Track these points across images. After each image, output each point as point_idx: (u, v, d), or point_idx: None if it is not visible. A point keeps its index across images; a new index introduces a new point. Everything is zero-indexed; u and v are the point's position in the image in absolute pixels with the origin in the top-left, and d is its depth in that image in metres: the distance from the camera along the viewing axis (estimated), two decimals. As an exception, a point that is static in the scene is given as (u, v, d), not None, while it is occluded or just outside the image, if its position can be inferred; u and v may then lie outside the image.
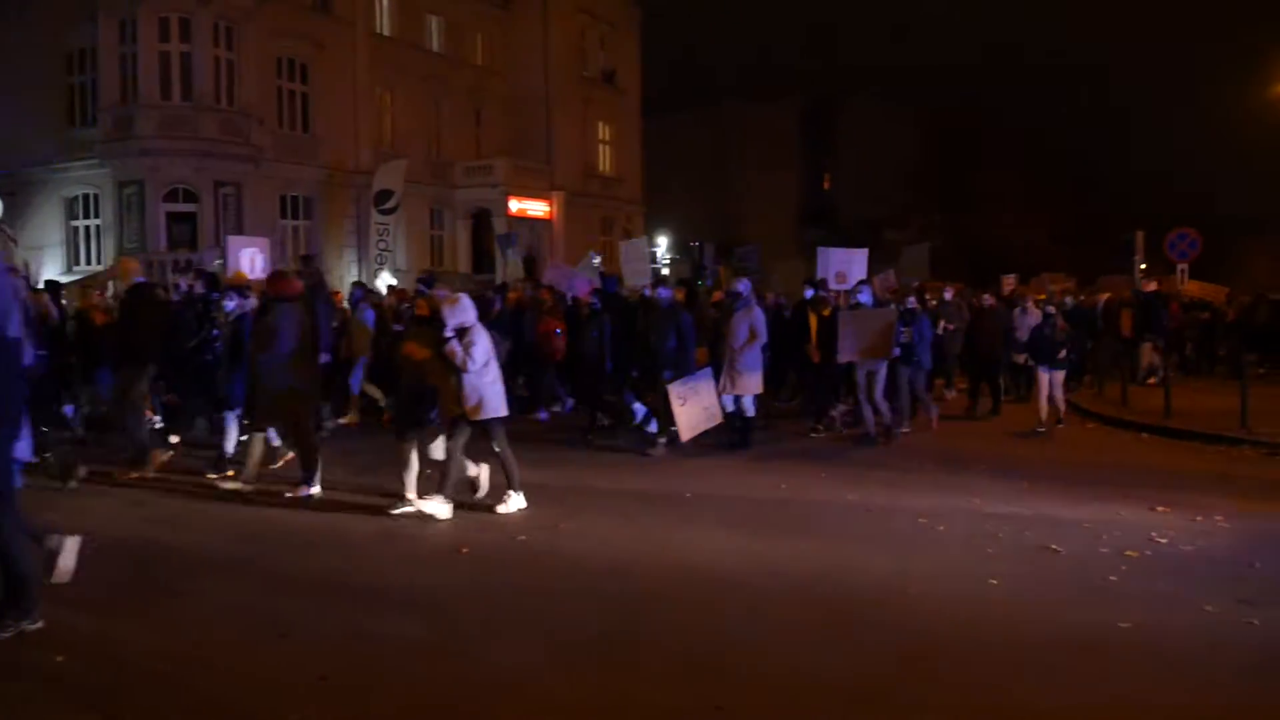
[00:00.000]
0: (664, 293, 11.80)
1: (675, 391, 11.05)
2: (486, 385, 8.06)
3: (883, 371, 12.11)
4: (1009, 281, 21.55)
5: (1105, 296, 19.98)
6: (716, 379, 11.49)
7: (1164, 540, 7.38)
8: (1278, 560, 6.87)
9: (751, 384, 11.60)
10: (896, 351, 12.13)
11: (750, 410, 11.79)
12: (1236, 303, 22.62)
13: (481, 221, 35.34)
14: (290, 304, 8.88)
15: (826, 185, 70.69)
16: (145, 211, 26.49)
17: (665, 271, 42.31)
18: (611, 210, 41.54)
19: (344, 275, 28.70)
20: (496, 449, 8.35)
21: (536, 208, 36.07)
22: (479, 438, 8.30)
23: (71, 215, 28.53)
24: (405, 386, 8.82)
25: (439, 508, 8.00)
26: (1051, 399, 13.12)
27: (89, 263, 27.32)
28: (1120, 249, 22.47)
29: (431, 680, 4.89)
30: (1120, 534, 7.54)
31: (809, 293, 13.55)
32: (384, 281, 25.02)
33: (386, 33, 33.55)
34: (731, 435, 11.67)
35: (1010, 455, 11.41)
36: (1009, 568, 6.68)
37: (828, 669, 5.01)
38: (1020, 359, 15.14)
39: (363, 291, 14.72)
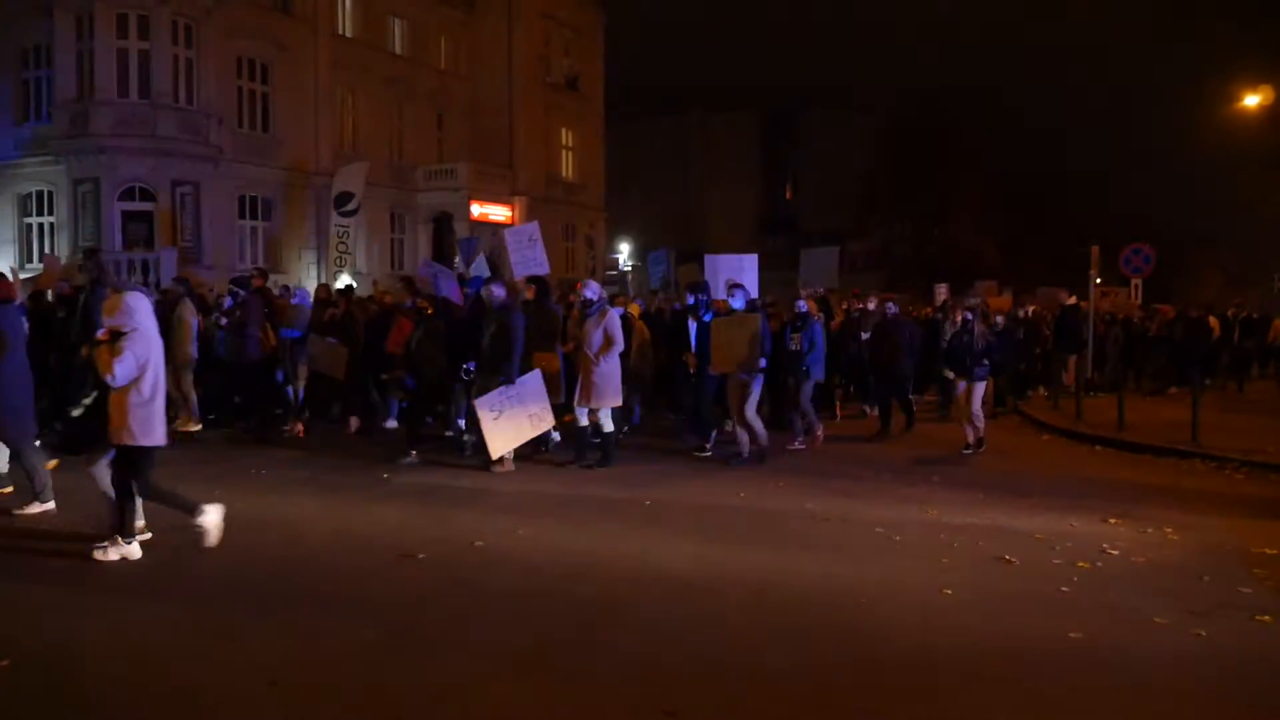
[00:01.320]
0: (497, 291, 10.64)
1: (485, 405, 10.16)
2: (135, 405, 6.71)
3: (754, 385, 11.16)
4: (941, 291, 21.60)
5: (1032, 309, 20.11)
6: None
7: (1115, 552, 7.47)
8: (1226, 573, 6.98)
9: (609, 396, 10.70)
10: (763, 363, 11.03)
11: (607, 425, 10.83)
12: (1159, 318, 22.68)
13: (443, 225, 35.19)
14: (7, 306, 8.39)
15: (789, 195, 71.17)
16: (101, 209, 26.11)
17: (629, 276, 42.47)
18: (574, 216, 41.53)
19: (303, 277, 28.44)
20: (107, 485, 7.01)
21: (498, 212, 35.96)
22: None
23: (25, 212, 28.07)
24: None
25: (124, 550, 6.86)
26: (970, 414, 12.34)
27: (38, 261, 26.86)
28: (1070, 262, 22.86)
29: (383, 686, 4.83)
30: (1073, 545, 7.63)
31: (689, 299, 12.58)
32: (342, 284, 24.82)
33: (348, 34, 33.36)
34: (587, 454, 10.89)
35: (967, 468, 11.52)
36: (963, 578, 6.73)
37: (780, 674, 5.02)
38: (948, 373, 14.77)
39: (186, 287, 13.61)
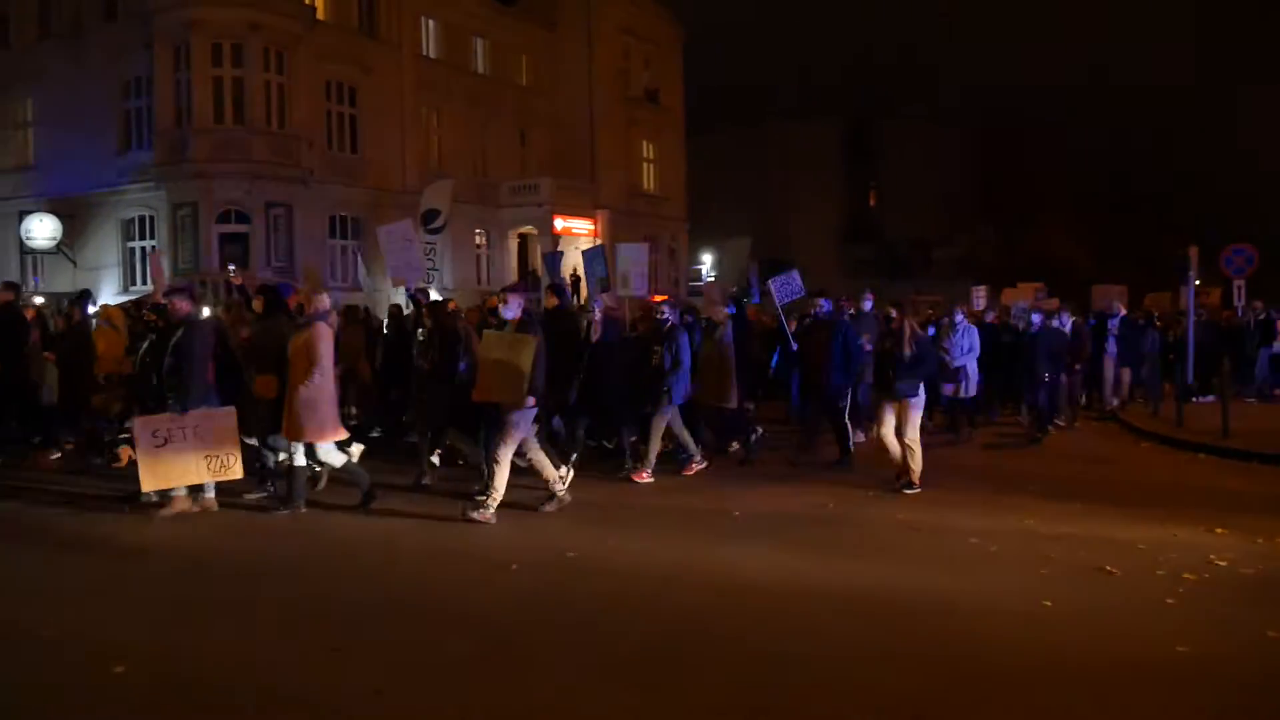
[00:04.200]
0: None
1: (147, 427, 8.67)
2: None
3: (517, 418, 8.53)
4: (979, 294, 20.66)
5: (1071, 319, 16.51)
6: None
7: (1223, 563, 7.22)
8: (1342, 583, 6.71)
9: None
10: (530, 401, 8.50)
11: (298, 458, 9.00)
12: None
13: (527, 240, 35.61)
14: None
15: (872, 202, 70.45)
16: (199, 232, 26.97)
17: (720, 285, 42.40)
18: (656, 228, 41.62)
19: (392, 294, 28.95)
20: None
21: (581, 226, 36.25)
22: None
23: (128, 237, 29.13)
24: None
25: None
26: (903, 442, 9.93)
27: (145, 283, 27.81)
28: (1166, 264, 21.99)
29: (481, 696, 4.90)
30: (1177, 556, 7.39)
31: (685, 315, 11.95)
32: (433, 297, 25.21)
33: (432, 55, 33.98)
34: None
35: (1063, 476, 11.21)
36: (1063, 589, 6.57)
37: (876, 688, 4.96)
38: (950, 389, 13.43)
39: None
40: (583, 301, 15.90)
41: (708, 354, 11.38)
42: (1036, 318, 14.24)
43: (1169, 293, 24.92)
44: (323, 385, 8.66)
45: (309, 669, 5.27)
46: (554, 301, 11.55)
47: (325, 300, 9.04)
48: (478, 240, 35.43)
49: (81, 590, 6.76)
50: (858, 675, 5.11)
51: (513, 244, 36.48)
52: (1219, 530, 8.21)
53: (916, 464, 9.95)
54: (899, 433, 9.98)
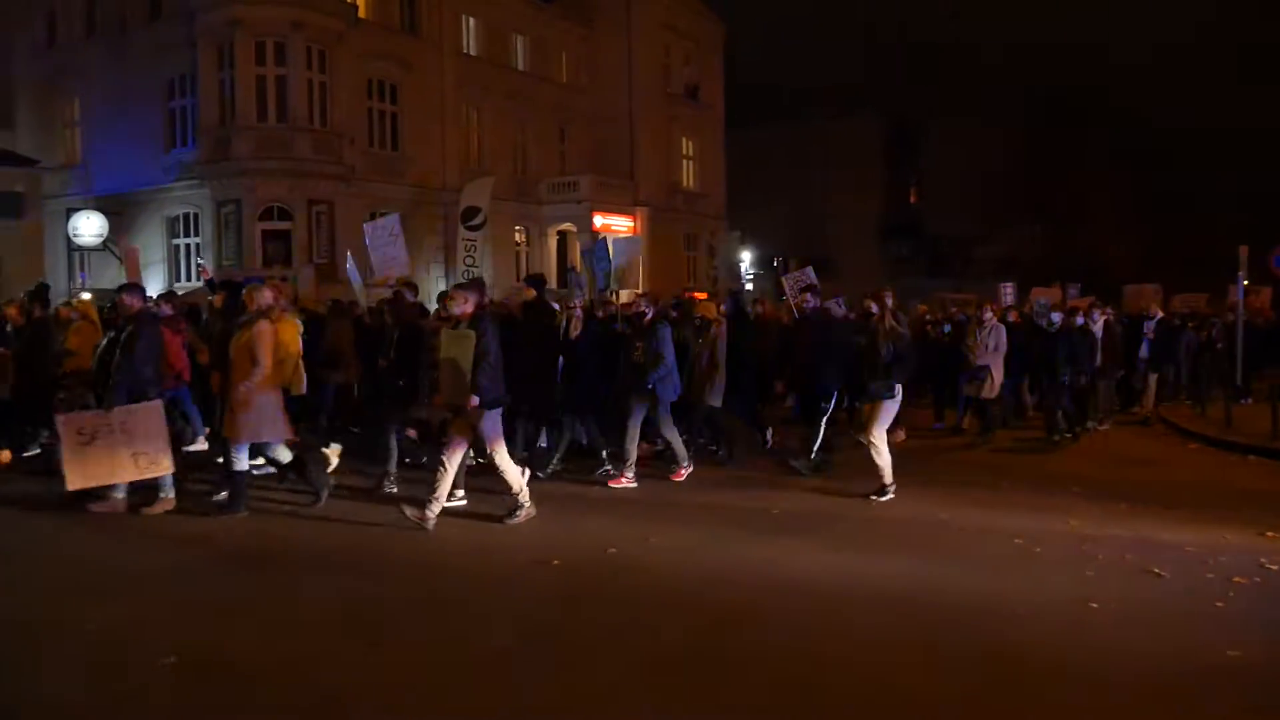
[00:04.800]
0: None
1: (72, 423, 8.52)
2: None
3: (484, 424, 8.12)
4: (1008, 291, 20.09)
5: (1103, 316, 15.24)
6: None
7: (1274, 567, 7.08)
8: (1398, 588, 6.56)
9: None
10: (475, 400, 7.95)
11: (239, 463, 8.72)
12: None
13: (566, 238, 35.70)
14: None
15: (913, 199, 69.91)
16: (242, 229, 27.28)
17: (749, 286, 42.33)
18: (695, 225, 41.60)
19: (433, 291, 29.16)
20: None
21: (621, 223, 36.30)
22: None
23: (173, 234, 29.55)
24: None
25: None
26: (867, 440, 9.41)
27: (189, 279, 28.19)
28: (1213, 263, 21.54)
29: (522, 689, 4.93)
30: (1227, 559, 7.26)
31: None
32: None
33: (473, 52, 34.14)
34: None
35: (1111, 477, 11.04)
36: (1110, 591, 6.48)
37: (919, 689, 4.92)
38: (971, 389, 13.26)
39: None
40: (589, 296, 15.34)
41: (698, 353, 11.10)
42: (1056, 316, 13.74)
43: (1205, 294, 24.42)
44: (264, 384, 8.49)
45: (353, 662, 5.32)
46: (530, 294, 10.97)
47: (268, 296, 8.81)
48: (517, 237, 35.58)
49: (122, 586, 6.85)
50: (901, 677, 5.07)
51: (552, 241, 36.61)
52: (1269, 534, 8.06)
53: (883, 462, 9.48)
54: (864, 430, 9.53)
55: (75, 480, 8.49)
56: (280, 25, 27.12)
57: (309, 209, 27.83)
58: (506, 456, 8.41)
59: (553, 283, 35.01)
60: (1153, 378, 16.50)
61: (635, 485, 10.08)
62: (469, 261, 29.85)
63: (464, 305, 8.18)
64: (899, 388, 9.52)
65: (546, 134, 36.97)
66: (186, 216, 29.27)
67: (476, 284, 8.92)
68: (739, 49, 45.57)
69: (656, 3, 39.13)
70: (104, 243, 29.12)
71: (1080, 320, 13.87)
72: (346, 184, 28.61)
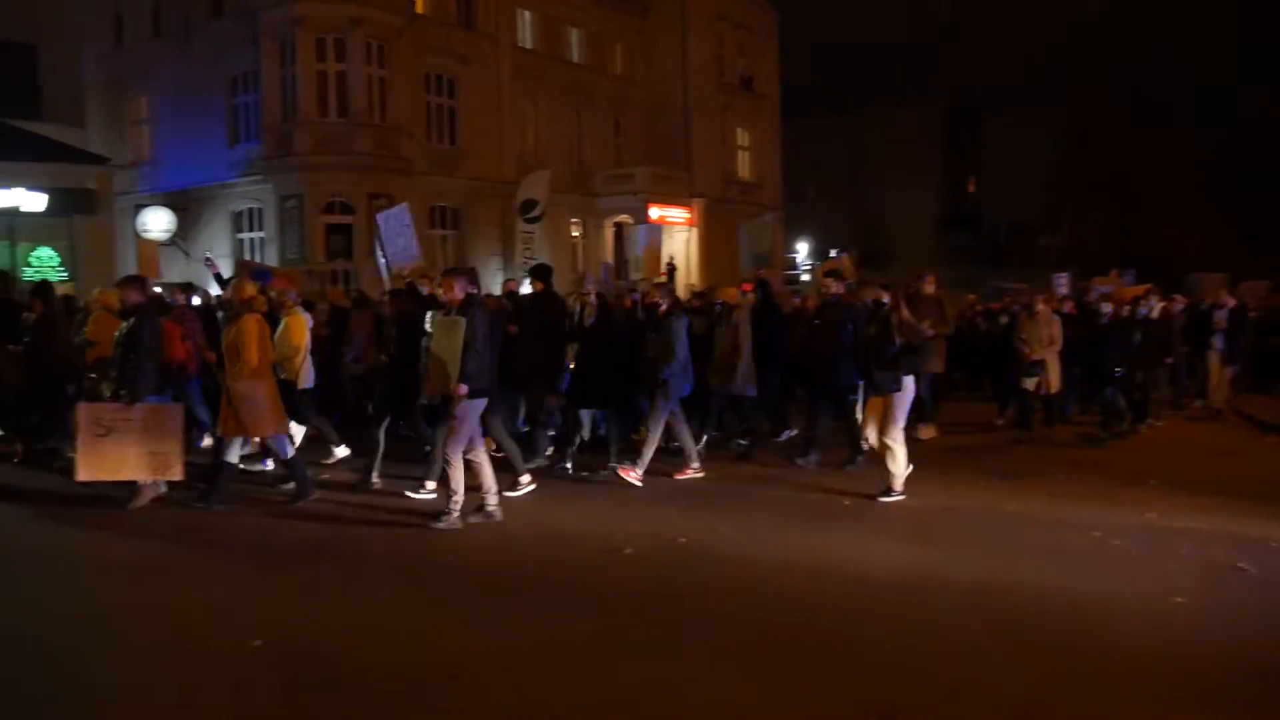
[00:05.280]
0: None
1: (91, 415, 8.57)
2: None
3: (461, 411, 7.85)
4: (1062, 281, 19.53)
5: (1159, 305, 14.51)
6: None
7: (1365, 560, 6.90)
8: None
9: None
10: (461, 390, 7.71)
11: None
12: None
13: (623, 229, 35.72)
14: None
15: (971, 189, 68.97)
16: (304, 224, 27.63)
17: (805, 278, 41.99)
18: (750, 216, 41.14)
19: (492, 283, 29.34)
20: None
21: (676, 215, 36.24)
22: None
23: (238, 228, 29.99)
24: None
25: None
26: (883, 441, 8.91)
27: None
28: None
29: (602, 675, 4.95)
30: (1315, 553, 7.09)
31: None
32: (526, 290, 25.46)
33: (529, 46, 34.22)
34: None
35: (1188, 469, 10.79)
36: (1194, 586, 6.35)
37: (999, 686, 4.85)
38: (1030, 384, 12.52)
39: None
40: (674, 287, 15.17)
41: (722, 339, 10.82)
42: (1107, 307, 13.11)
43: (1267, 281, 23.67)
44: (255, 379, 8.36)
45: (433, 644, 5.39)
46: (539, 286, 10.58)
47: (251, 288, 8.71)
48: (574, 230, 35.66)
49: (188, 575, 6.98)
50: (981, 672, 5.01)
51: (608, 233, 36.62)
52: (1358, 527, 7.84)
53: (897, 468, 8.89)
54: (881, 431, 8.98)
55: (84, 472, 8.49)
56: (340, 21, 27.37)
57: (369, 203, 28.06)
58: (460, 456, 7.92)
59: (611, 274, 35.10)
60: (1227, 370, 15.64)
61: (701, 474, 9.99)
62: (527, 254, 29.95)
63: (454, 292, 7.96)
64: (909, 380, 9.00)
65: (602, 126, 36.98)
66: (251, 211, 29.69)
67: (467, 271, 8.81)
68: (794, 38, 45.20)
69: (712, -7, 38.96)
70: (171, 238, 29.70)
71: (1143, 311, 13.32)
72: (406, 178, 28.83)
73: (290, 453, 8.89)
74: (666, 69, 38.26)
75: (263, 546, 7.60)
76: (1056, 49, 67.91)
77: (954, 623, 5.73)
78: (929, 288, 12.33)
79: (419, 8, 29.85)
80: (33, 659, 5.29)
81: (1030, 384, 12.58)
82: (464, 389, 7.73)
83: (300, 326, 10.03)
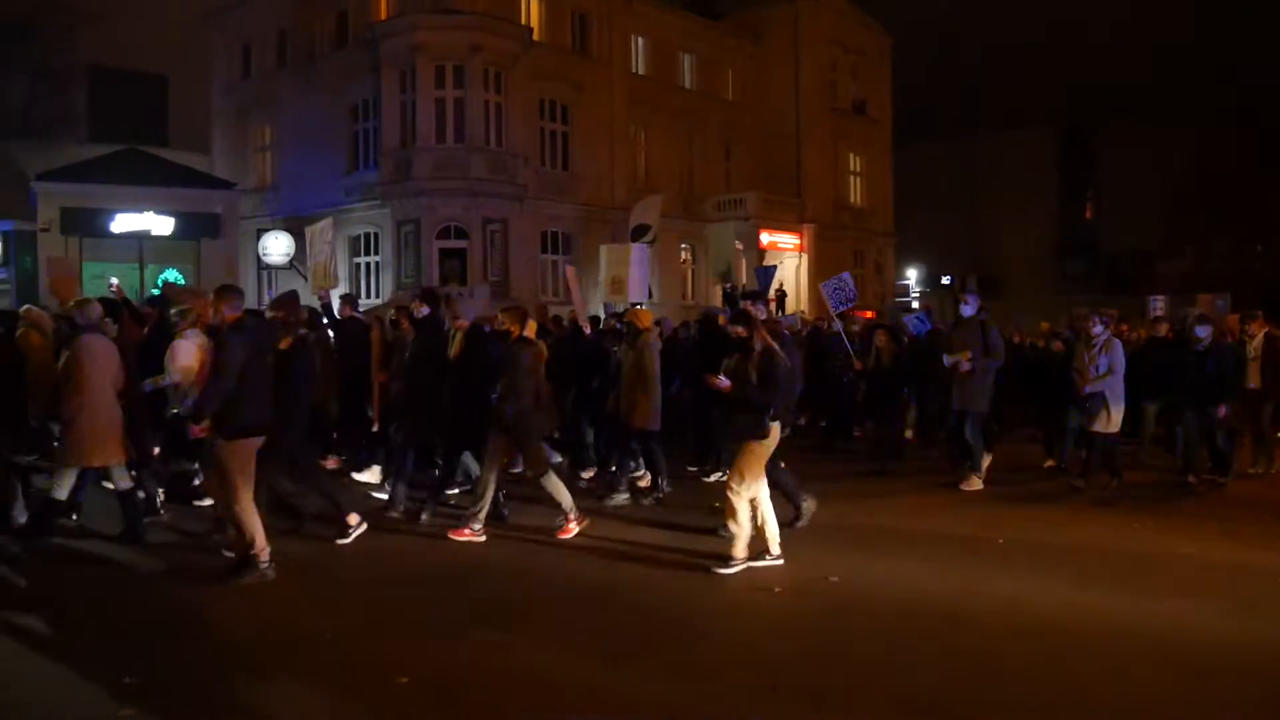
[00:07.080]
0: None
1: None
2: None
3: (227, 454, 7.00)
4: (1158, 303, 18.39)
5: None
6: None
7: None
8: None
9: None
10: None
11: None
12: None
13: (733, 255, 35.45)
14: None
15: (1088, 215, 66.97)
16: (420, 248, 28.02)
17: (915, 304, 41.13)
18: (862, 242, 40.73)
19: (600, 309, 29.31)
20: None
21: (787, 240, 35.87)
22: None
23: (355, 253, 30.60)
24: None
25: None
26: (728, 489, 7.40)
27: (370, 296, 29.13)
28: None
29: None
30: None
31: None
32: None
33: (641, 72, 34.34)
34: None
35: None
36: None
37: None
38: (1082, 421, 11.13)
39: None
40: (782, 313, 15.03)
41: (629, 366, 9.79)
42: (1202, 331, 11.20)
43: None
44: (89, 404, 7.68)
45: (584, 683, 5.16)
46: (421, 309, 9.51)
47: (96, 309, 8.07)
48: (683, 255, 35.53)
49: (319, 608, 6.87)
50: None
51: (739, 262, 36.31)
52: None
53: (739, 529, 7.30)
54: (728, 479, 7.52)
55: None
56: (459, 49, 27.80)
57: (484, 227, 28.38)
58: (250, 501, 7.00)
59: (718, 299, 34.82)
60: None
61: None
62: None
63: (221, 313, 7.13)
64: (773, 425, 7.38)
65: (713, 151, 36.85)
66: (368, 236, 30.28)
67: (285, 298, 8.24)
68: (908, 62, 44.48)
69: (823, 17, 38.56)
70: (290, 262, 30.43)
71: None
72: (519, 203, 29.07)
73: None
74: (778, 94, 38.00)
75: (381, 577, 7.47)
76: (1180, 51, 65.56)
77: (1140, 675, 5.28)
78: (966, 310, 11.05)
79: (536, 35, 30.16)
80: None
81: (1083, 421, 11.06)
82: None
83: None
